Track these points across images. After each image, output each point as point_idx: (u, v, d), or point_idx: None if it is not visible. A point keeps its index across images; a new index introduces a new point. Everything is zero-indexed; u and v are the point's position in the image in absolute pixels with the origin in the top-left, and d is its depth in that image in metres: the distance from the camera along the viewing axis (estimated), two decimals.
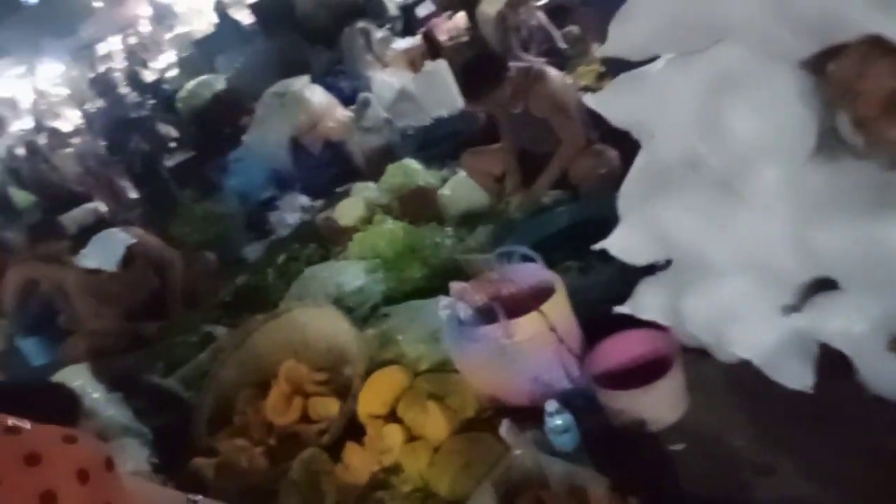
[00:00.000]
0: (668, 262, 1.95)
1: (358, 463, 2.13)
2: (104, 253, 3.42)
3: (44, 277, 4.18)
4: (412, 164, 3.97)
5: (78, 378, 2.65)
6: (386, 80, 5.58)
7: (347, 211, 3.75)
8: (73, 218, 6.05)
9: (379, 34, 6.52)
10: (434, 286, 2.75)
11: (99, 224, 5.70)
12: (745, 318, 1.76)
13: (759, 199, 1.58)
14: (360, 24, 6.44)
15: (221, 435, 2.51)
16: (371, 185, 4.06)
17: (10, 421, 0.91)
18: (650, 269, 2.00)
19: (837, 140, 1.56)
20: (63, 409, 1.88)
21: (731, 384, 1.89)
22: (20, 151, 8.40)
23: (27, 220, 7.78)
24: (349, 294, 2.84)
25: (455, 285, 2.18)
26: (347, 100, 5.74)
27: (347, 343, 2.50)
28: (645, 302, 1.98)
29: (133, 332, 3.56)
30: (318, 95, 5.37)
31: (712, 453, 1.75)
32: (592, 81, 4.38)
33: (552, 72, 3.18)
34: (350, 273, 2.91)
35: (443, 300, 2.19)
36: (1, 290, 4.39)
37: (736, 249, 1.72)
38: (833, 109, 1.53)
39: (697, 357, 1.95)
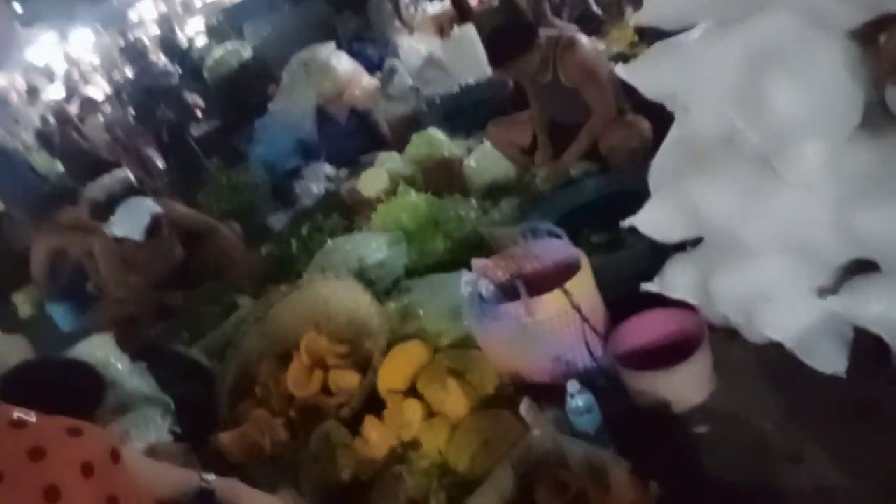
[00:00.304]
0: (699, 240, 1.89)
1: (377, 437, 2.12)
2: (131, 222, 3.42)
3: (71, 245, 4.23)
4: (437, 134, 3.91)
5: (102, 348, 2.67)
6: (413, 47, 5.50)
7: (371, 182, 3.71)
8: (102, 186, 6.08)
9: None
10: (457, 259, 2.71)
11: (127, 193, 5.74)
12: (778, 299, 1.70)
13: (800, 176, 1.50)
14: None
15: (243, 406, 2.52)
16: (395, 155, 4.00)
17: (16, 414, 0.91)
18: (680, 247, 1.94)
19: (885, 116, 1.48)
20: (87, 389, 1.88)
21: (761, 366, 1.83)
22: (51, 119, 8.49)
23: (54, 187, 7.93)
24: (371, 267, 2.81)
25: (478, 261, 2.13)
26: (374, 67, 5.67)
27: (368, 316, 2.48)
28: (674, 280, 1.92)
29: (159, 301, 3.58)
30: (344, 63, 5.31)
31: (738, 437, 1.70)
32: (626, 48, 4.25)
33: (583, 39, 3.08)
34: (372, 246, 2.88)
35: (465, 276, 2.15)
36: (30, 260, 4.48)
37: (771, 228, 1.65)
38: (882, 83, 1.44)
39: (726, 337, 1.90)
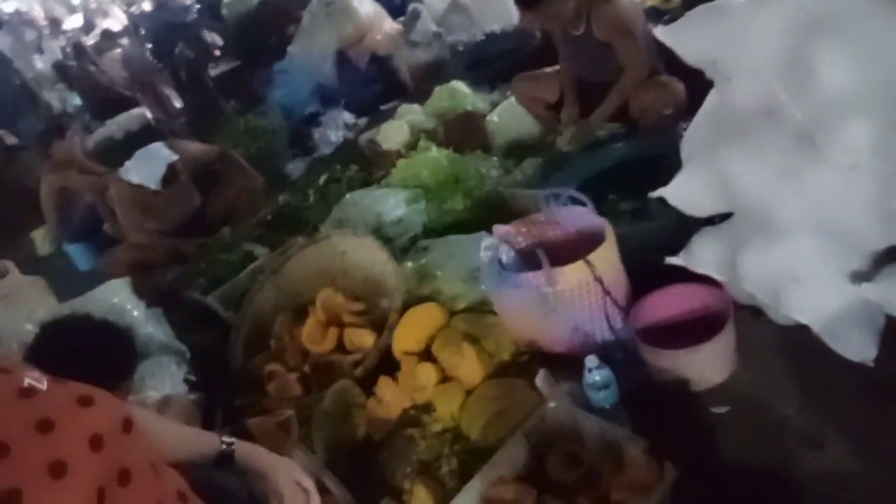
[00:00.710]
0: (730, 215, 1.82)
1: (390, 398, 2.12)
2: (146, 169, 3.39)
3: (74, 183, 4.23)
4: (460, 86, 3.79)
5: (119, 293, 2.67)
6: None
7: (391, 134, 3.63)
8: (119, 123, 6.05)
9: None
10: (477, 219, 2.66)
11: (145, 131, 5.70)
12: (808, 282, 1.64)
13: (845, 156, 1.42)
14: None
15: (258, 358, 2.52)
16: (416, 107, 3.90)
17: (27, 381, 0.88)
18: (709, 221, 1.88)
19: None
20: (119, 359, 1.89)
21: (785, 349, 1.78)
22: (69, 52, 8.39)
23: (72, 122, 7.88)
24: (389, 224, 2.76)
25: (499, 228, 2.08)
26: (397, 11, 5.50)
27: (385, 275, 2.45)
28: (700, 255, 1.86)
29: (174, 247, 3.58)
30: (366, 5, 5.14)
31: (757, 420, 1.66)
32: (660, 2, 4.07)
33: None
34: (391, 202, 2.83)
35: (485, 240, 2.10)
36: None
37: (807, 208, 1.58)
38: None
39: (751, 317, 1.85)
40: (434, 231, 2.77)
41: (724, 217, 1.83)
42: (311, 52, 5.12)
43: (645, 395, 1.77)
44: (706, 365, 1.77)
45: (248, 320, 2.69)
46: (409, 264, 2.46)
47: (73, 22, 11.93)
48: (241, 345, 2.61)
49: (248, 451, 1.32)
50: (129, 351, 1.89)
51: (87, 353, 1.74)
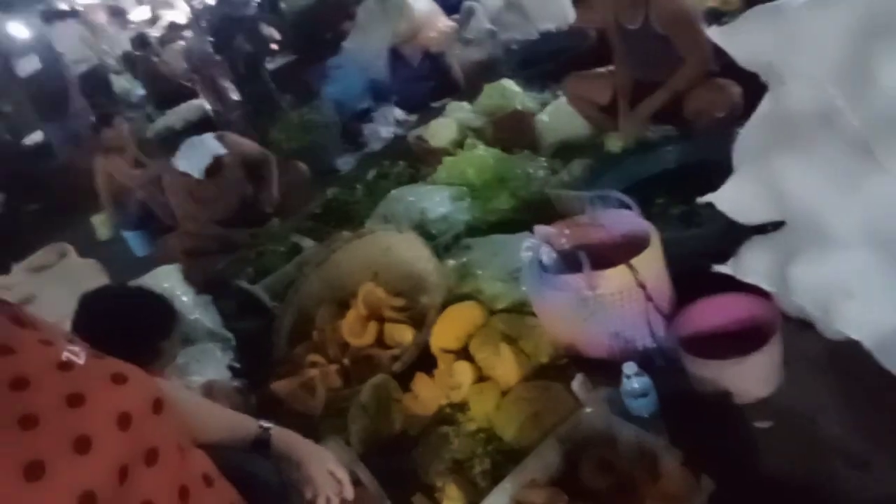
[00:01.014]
0: (781, 224, 1.76)
1: (426, 394, 2.13)
2: (193, 159, 3.49)
3: (125, 181, 4.39)
4: (511, 85, 3.77)
5: (168, 279, 2.75)
6: None
7: (439, 132, 3.63)
8: (178, 113, 6.23)
9: None
10: (521, 219, 2.65)
11: (203, 122, 5.84)
12: (862, 296, 1.57)
13: None
14: None
15: (300, 349, 2.57)
16: (466, 105, 3.90)
17: (65, 354, 0.90)
18: (760, 229, 1.82)
19: None
20: (157, 317, 1.94)
21: (834, 364, 1.72)
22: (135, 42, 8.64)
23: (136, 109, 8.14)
24: (433, 221, 2.77)
25: (540, 228, 2.06)
26: (452, 8, 5.50)
27: (426, 272, 2.46)
28: (750, 263, 1.80)
29: (225, 236, 3.66)
30: (421, 2, 5.15)
31: (802, 437, 1.61)
32: (719, 3, 3.96)
33: None
34: (436, 199, 2.84)
35: (527, 240, 2.08)
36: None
37: (863, 219, 1.51)
38: None
39: (799, 330, 1.78)
40: (478, 230, 2.77)
41: (777, 226, 1.77)
42: (365, 49, 5.17)
43: (685, 405, 1.72)
44: (751, 377, 1.72)
45: (292, 310, 2.73)
46: (451, 262, 2.46)
47: (139, 14, 12.32)
48: (284, 334, 2.66)
49: (285, 438, 1.33)
50: (166, 309, 1.93)
51: (124, 316, 1.80)
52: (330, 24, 6.00)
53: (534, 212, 2.64)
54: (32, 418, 0.81)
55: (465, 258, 2.45)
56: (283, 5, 7.06)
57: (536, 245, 2.06)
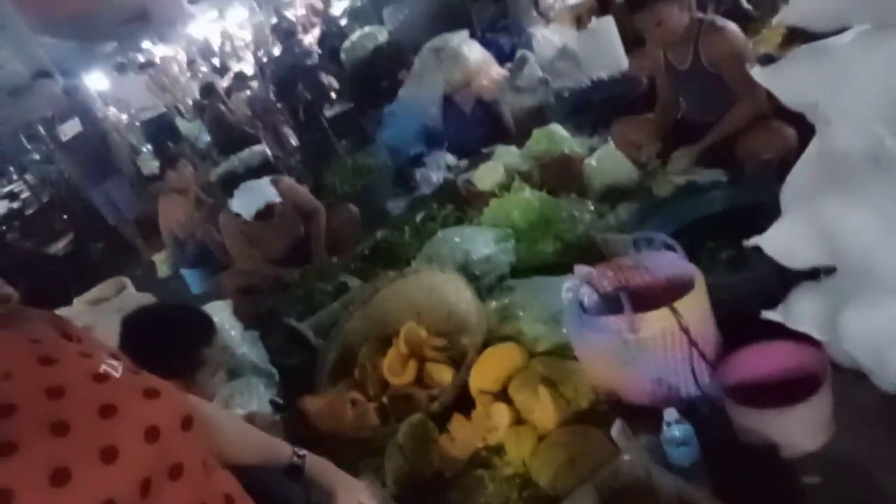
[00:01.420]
0: (832, 270, 1.69)
1: (463, 436, 2.10)
2: (246, 202, 3.65)
3: (184, 221, 4.57)
4: (559, 130, 3.79)
5: (218, 314, 2.81)
6: (547, 37, 5.35)
7: (486, 175, 3.66)
8: (241, 158, 6.47)
9: None
10: (565, 262, 2.60)
11: (263, 166, 6.06)
12: None
13: None
14: None
15: (340, 385, 2.58)
16: (513, 149, 3.93)
17: (103, 367, 0.93)
18: (811, 274, 1.75)
19: None
20: (195, 328, 2.00)
21: (888, 417, 1.62)
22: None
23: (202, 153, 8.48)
24: (477, 262, 2.77)
25: (581, 268, 2.04)
26: (505, 57, 5.60)
27: (468, 313, 2.45)
28: (799, 310, 1.73)
29: (276, 275, 3.75)
30: (475, 52, 5.27)
31: (853, 494, 1.52)
32: (775, 49, 3.92)
33: (730, 24, 2.78)
34: (480, 240, 2.84)
35: (567, 281, 2.06)
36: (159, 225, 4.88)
37: None
38: None
39: (851, 380, 1.69)
40: (522, 272, 2.75)
41: (828, 271, 1.71)
42: (419, 96, 5.29)
43: (728, 456, 1.65)
44: (799, 429, 1.63)
45: (335, 348, 2.76)
46: (494, 303, 2.45)
47: (210, 65, 13.00)
48: (327, 371, 2.68)
49: (319, 467, 1.34)
50: (204, 318, 1.98)
51: (164, 326, 1.86)
52: (386, 73, 6.18)
53: (578, 255, 2.61)
54: (64, 426, 0.85)
55: (508, 300, 2.43)
56: (343, 56, 7.32)
57: (577, 286, 2.03)
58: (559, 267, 2.60)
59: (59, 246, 7.61)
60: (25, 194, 9.61)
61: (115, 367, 0.95)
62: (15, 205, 9.35)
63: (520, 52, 5.39)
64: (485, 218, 3.11)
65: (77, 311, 3.34)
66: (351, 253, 3.84)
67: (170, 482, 0.91)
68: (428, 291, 2.70)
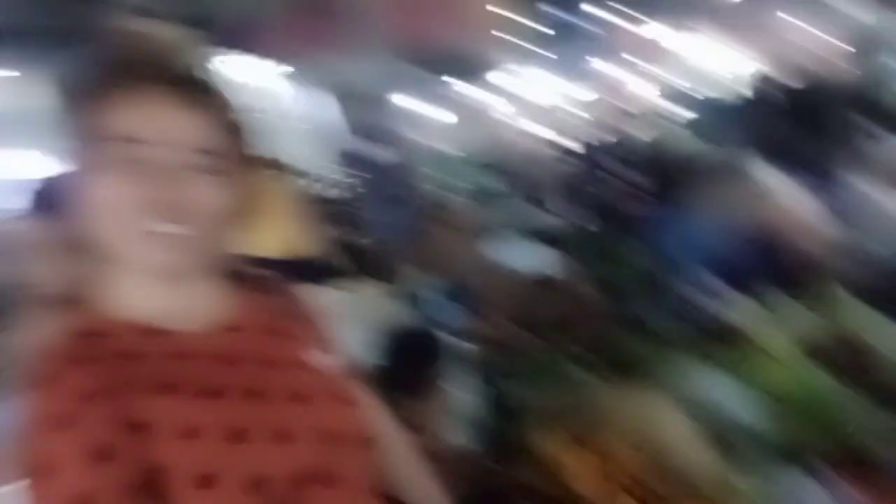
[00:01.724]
0: None
1: None
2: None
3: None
4: (870, 313, 3.29)
5: None
6: (873, 197, 4.80)
7: (764, 329, 3.32)
8: None
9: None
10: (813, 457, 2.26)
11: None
12: None
13: None
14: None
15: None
16: (802, 308, 3.53)
17: (318, 358, 1.02)
18: None
19: None
20: (440, 361, 2.15)
21: None
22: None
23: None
24: (726, 422, 2.49)
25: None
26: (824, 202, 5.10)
27: (691, 469, 2.22)
28: None
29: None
30: (786, 189, 4.90)
31: None
32: None
33: None
34: (734, 398, 2.56)
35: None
36: None
37: None
38: None
39: None
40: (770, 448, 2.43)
41: None
42: (715, 217, 5.03)
43: None
44: None
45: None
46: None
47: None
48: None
49: None
50: (435, 342, 2.13)
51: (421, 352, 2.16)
52: (683, 183, 5.97)
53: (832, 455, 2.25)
54: (259, 393, 0.91)
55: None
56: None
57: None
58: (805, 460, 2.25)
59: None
60: None
61: (329, 362, 1.01)
62: None
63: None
64: (752, 374, 2.79)
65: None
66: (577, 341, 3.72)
67: (322, 489, 0.92)
68: (651, 422, 2.50)
